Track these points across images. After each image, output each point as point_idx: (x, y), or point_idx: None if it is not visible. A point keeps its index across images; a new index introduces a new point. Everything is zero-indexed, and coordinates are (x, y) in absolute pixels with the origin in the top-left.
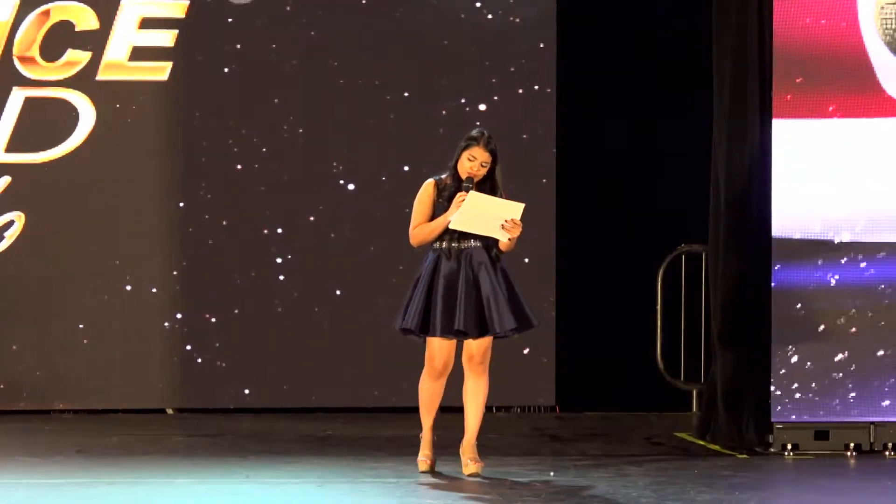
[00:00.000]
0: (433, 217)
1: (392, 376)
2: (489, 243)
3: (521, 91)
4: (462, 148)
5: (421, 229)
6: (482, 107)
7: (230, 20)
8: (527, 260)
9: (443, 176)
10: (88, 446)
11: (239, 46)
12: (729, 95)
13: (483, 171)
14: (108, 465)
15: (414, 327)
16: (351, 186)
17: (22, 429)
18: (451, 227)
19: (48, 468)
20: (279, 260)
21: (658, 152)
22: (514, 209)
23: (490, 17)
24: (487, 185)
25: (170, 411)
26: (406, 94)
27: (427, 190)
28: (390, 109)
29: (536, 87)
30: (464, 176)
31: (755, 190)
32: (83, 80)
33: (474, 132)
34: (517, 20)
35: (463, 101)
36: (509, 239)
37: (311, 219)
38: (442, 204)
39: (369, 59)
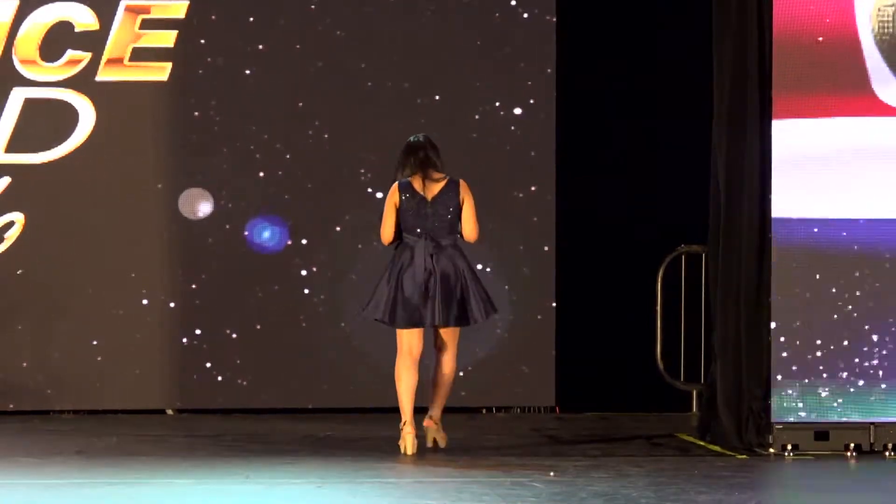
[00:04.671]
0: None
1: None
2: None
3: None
4: None
5: None
6: (517, 111)
7: (251, 19)
8: (527, 261)
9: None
10: (88, 447)
11: (261, 47)
12: (729, 96)
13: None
14: (108, 465)
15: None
16: (379, 195)
17: (21, 429)
18: None
19: (48, 469)
20: (304, 272)
21: (658, 153)
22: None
23: (526, 15)
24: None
25: (170, 412)
26: (437, 97)
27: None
28: (421, 113)
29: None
30: None
31: (755, 190)
32: (83, 81)
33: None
34: (553, 19)
35: (497, 104)
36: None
37: (338, 229)
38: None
39: (398, 60)
